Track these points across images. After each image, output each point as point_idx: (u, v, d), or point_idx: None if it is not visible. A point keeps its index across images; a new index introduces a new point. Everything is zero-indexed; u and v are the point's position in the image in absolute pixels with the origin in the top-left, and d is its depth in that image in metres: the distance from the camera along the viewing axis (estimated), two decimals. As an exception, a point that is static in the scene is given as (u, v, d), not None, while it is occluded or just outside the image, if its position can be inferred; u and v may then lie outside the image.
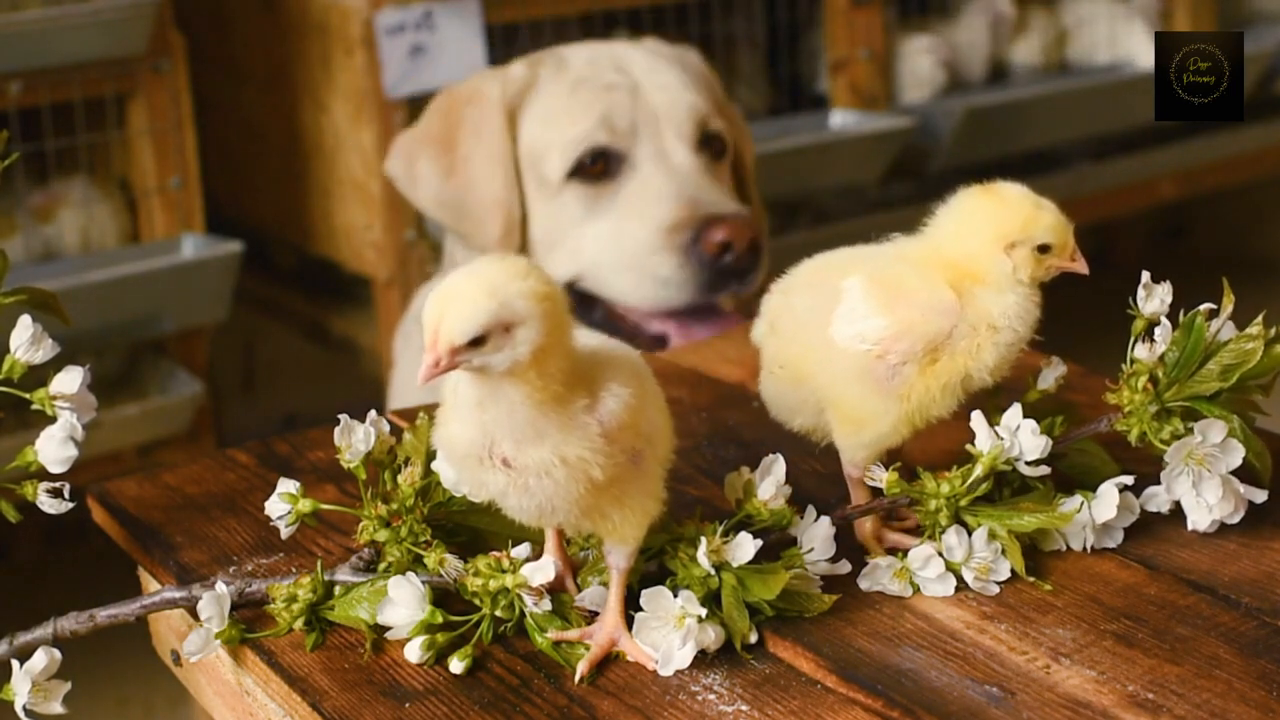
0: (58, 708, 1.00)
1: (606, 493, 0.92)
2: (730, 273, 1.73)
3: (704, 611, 0.95)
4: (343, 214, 2.31)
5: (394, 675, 0.96)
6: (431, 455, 1.04)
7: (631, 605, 0.97)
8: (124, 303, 2.04)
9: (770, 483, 1.03)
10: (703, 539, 0.97)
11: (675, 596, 0.96)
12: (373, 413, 1.05)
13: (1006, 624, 0.98)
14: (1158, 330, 1.05)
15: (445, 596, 0.99)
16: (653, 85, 1.82)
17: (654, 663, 0.95)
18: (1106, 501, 1.04)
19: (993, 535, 1.02)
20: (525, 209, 1.83)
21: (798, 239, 2.49)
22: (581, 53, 1.88)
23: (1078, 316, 2.10)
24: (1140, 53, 2.88)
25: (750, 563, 0.97)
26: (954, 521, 1.02)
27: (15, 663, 1.00)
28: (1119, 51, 2.92)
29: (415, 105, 2.12)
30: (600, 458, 0.91)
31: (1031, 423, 1.03)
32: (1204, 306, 1.05)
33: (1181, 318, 1.05)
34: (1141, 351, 1.05)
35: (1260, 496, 1.06)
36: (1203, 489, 1.04)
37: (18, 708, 0.99)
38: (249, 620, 1.02)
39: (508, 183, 1.82)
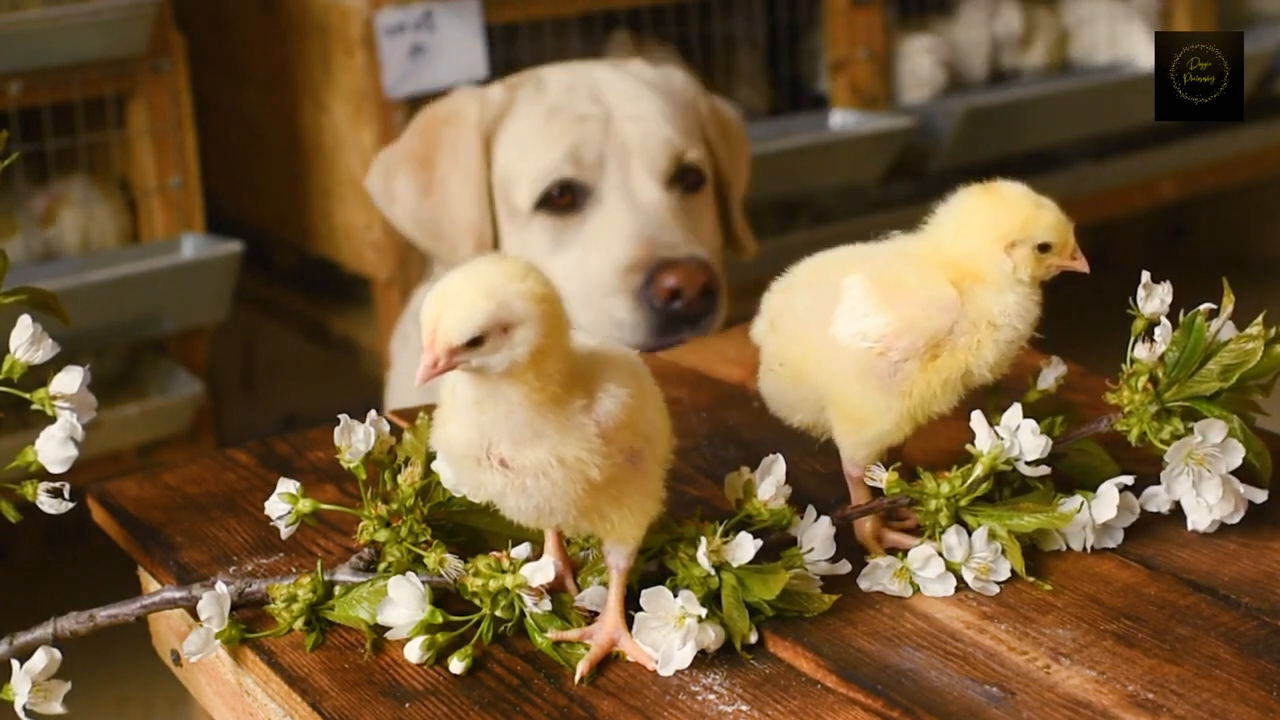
0: (58, 708, 1.00)
1: (605, 493, 0.92)
2: (682, 318, 1.70)
3: (704, 611, 0.95)
4: (343, 214, 2.31)
5: (394, 675, 0.96)
6: (431, 455, 1.03)
7: (631, 605, 0.97)
8: (124, 303, 2.04)
9: (770, 483, 1.03)
10: (703, 539, 0.97)
11: (675, 596, 0.96)
12: (373, 413, 1.05)
13: (1006, 624, 0.98)
14: (1158, 330, 1.05)
15: (445, 596, 0.99)
16: (626, 116, 1.79)
17: (654, 663, 0.95)
18: (1106, 501, 1.04)
19: (993, 535, 1.02)
20: (498, 234, 1.83)
21: (798, 239, 2.49)
22: (561, 77, 1.85)
23: (1078, 316, 2.10)
24: (1140, 53, 2.88)
25: (750, 563, 0.97)
26: (954, 521, 1.02)
27: (15, 663, 1.00)
28: (1119, 51, 2.92)
29: (415, 105, 2.12)
30: (598, 458, 0.91)
31: (1031, 423, 1.03)
32: (1204, 306, 1.05)
33: (1181, 318, 1.05)
34: (1141, 351, 1.05)
35: (1260, 496, 1.06)
36: (1203, 489, 1.04)
37: (18, 708, 0.99)
38: (249, 620, 1.02)
39: (481, 207, 1.82)
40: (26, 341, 1.02)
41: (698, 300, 1.70)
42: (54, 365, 1.03)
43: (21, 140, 2.06)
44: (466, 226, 1.82)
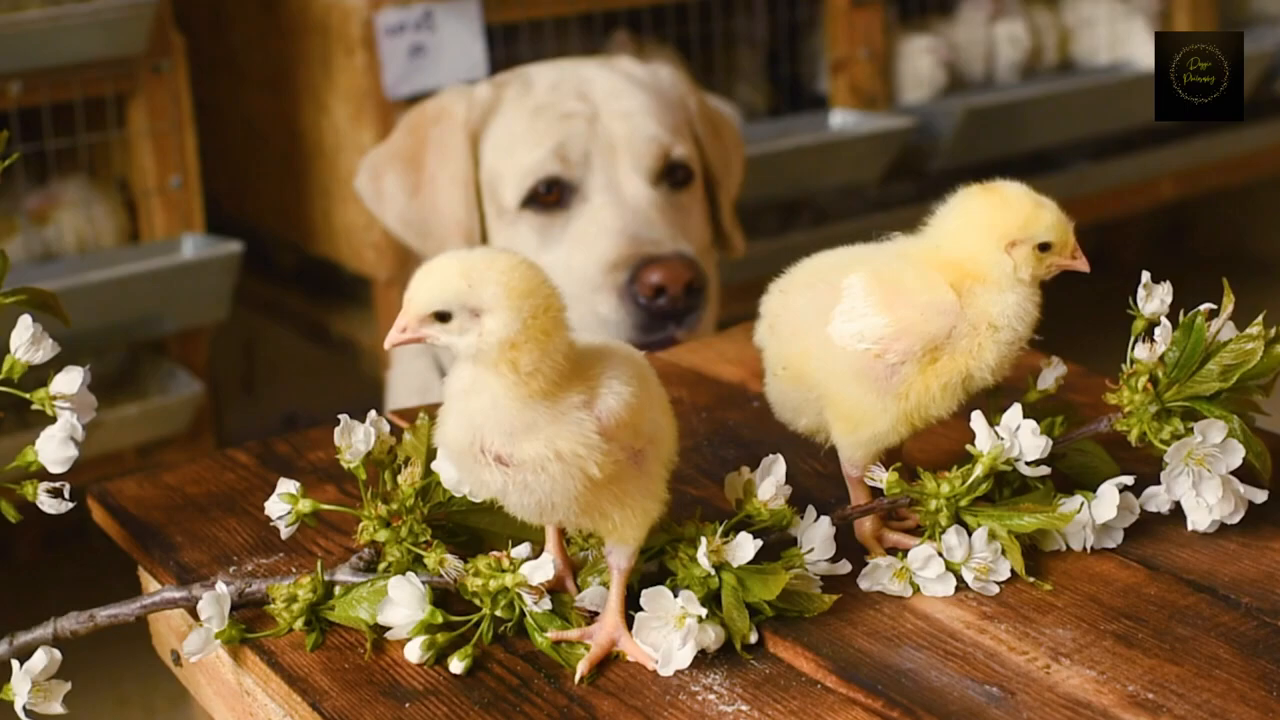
0: (58, 708, 1.00)
1: (607, 491, 0.92)
2: (666, 315, 1.70)
3: (704, 611, 0.95)
4: (343, 214, 2.31)
5: (394, 675, 0.96)
6: (431, 455, 1.04)
7: (631, 605, 0.97)
8: (124, 303, 2.04)
9: (770, 483, 1.03)
10: (703, 539, 0.97)
11: (675, 596, 0.96)
12: (373, 413, 1.05)
13: (1006, 624, 0.98)
14: (1158, 330, 1.05)
15: (445, 596, 0.99)
16: (613, 113, 1.79)
17: (654, 663, 0.95)
18: (1106, 501, 1.04)
19: (993, 535, 1.02)
20: (486, 232, 1.83)
21: (798, 239, 2.49)
22: (548, 75, 1.86)
23: (1078, 316, 2.10)
24: (1140, 53, 2.88)
25: (750, 563, 0.97)
26: (954, 521, 1.02)
27: (15, 663, 1.00)
28: (1119, 52, 2.92)
29: (415, 105, 2.12)
30: (597, 454, 0.91)
31: (1031, 423, 1.03)
32: (1204, 306, 1.05)
33: (1181, 318, 1.05)
34: (1141, 351, 1.05)
35: (1260, 496, 1.06)
36: (1203, 489, 1.04)
37: (18, 708, 0.99)
38: (249, 620, 1.02)
39: (469, 206, 1.82)
40: (27, 341, 1.02)
41: (683, 297, 1.70)
42: (54, 365, 1.03)
43: (21, 140, 2.07)
44: (455, 225, 1.82)
